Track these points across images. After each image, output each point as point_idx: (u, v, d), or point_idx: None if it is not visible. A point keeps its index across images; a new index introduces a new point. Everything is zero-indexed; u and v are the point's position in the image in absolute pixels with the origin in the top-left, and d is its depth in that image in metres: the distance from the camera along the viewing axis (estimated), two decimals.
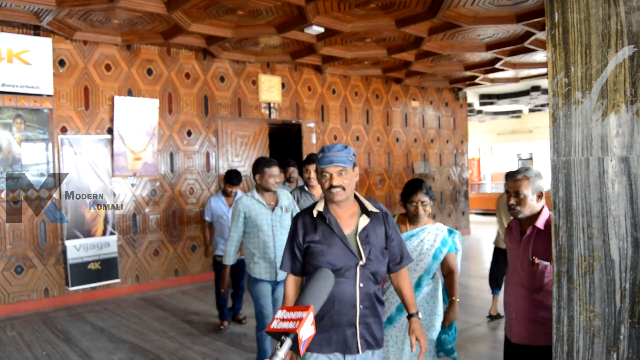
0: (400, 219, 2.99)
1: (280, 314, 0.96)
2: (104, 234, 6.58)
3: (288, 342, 0.89)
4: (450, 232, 2.95)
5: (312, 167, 4.57)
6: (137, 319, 5.71)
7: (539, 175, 2.53)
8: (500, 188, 17.04)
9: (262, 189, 3.82)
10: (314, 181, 4.65)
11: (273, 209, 3.81)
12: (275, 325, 0.93)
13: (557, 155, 1.88)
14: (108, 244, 6.61)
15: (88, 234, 6.45)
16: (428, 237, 2.89)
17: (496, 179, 20.09)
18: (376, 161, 9.95)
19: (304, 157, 8.10)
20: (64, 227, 6.28)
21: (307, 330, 0.92)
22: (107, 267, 6.58)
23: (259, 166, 3.81)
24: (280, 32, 6.42)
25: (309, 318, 0.93)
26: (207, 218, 5.42)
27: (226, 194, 5.38)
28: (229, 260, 3.85)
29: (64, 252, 6.30)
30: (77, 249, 6.35)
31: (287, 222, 3.83)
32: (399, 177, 10.35)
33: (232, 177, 5.26)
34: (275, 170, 3.80)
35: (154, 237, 7.12)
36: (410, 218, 2.93)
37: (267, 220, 3.76)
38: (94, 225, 6.52)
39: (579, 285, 1.86)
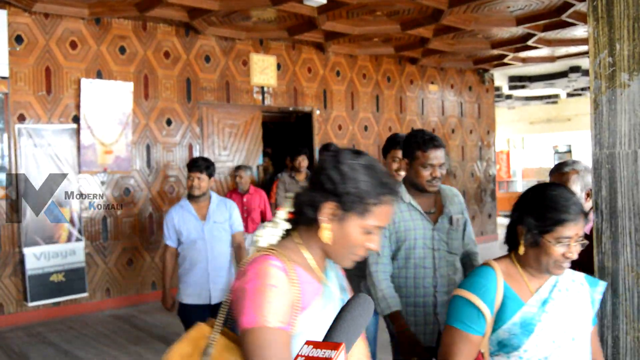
0: None
1: (305, 349, 0.93)
2: (68, 240, 6.59)
3: None
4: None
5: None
6: (108, 339, 5.72)
7: (588, 169, 2.52)
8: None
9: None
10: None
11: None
12: None
13: (599, 148, 1.88)
14: (74, 252, 6.62)
15: (50, 240, 6.46)
16: None
17: (528, 175, 20.05)
18: None
19: (316, 147, 8.60)
20: (22, 232, 6.29)
21: None
22: (73, 279, 6.59)
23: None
24: (275, 4, 6.40)
25: (340, 358, 0.90)
26: (170, 242, 4.12)
27: (193, 197, 4.07)
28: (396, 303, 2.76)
29: (22, 261, 6.31)
30: (37, 258, 6.36)
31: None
32: None
33: (196, 163, 4.08)
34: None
35: (128, 244, 7.13)
36: None
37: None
38: (57, 230, 6.53)
39: (625, 300, 1.85)
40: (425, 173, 2.70)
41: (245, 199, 6.65)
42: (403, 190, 2.79)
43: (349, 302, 1.07)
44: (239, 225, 4.19)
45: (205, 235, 3.98)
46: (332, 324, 1.02)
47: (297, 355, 0.93)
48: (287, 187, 6.64)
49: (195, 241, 3.98)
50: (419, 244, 2.74)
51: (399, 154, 3.28)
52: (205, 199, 4.08)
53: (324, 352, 0.91)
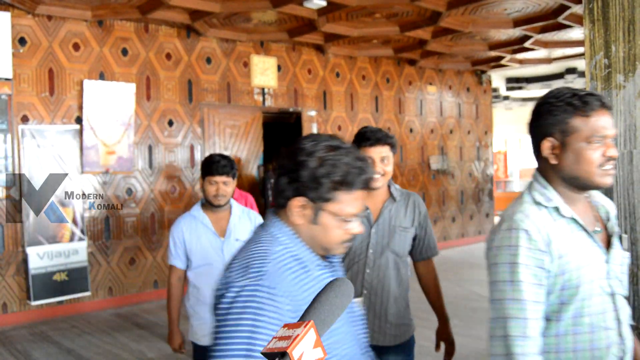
0: None
1: (280, 331, 0.95)
2: (71, 239, 6.60)
3: None
4: None
5: None
6: (110, 338, 5.73)
7: None
8: None
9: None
10: None
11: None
12: (270, 345, 0.92)
13: None
14: (76, 252, 6.63)
15: (53, 239, 6.47)
16: None
17: (525, 175, 20.09)
18: None
19: None
20: (25, 232, 6.30)
21: (308, 351, 0.89)
22: (76, 278, 6.60)
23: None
24: (275, 6, 6.41)
25: (309, 335, 0.90)
26: (176, 263, 3.16)
27: (211, 206, 3.15)
28: None
29: (25, 261, 6.32)
30: (40, 258, 6.36)
31: None
32: (412, 173, 10.36)
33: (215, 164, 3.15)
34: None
35: (130, 244, 7.14)
36: None
37: None
38: (60, 229, 6.54)
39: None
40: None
41: None
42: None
43: (326, 285, 1.06)
44: None
45: (225, 257, 2.97)
46: (308, 306, 1.02)
47: (273, 337, 0.94)
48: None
49: (211, 264, 3.02)
50: (595, 289, 1.62)
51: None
52: (225, 209, 3.14)
53: (294, 331, 0.92)
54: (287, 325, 0.96)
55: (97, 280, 6.87)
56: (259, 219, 3.20)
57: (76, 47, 6.71)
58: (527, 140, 1.69)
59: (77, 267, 6.62)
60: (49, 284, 6.41)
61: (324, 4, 6.45)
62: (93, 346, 5.45)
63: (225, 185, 3.04)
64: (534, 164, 1.68)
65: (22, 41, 6.34)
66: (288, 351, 0.88)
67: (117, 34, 7.01)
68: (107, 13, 6.62)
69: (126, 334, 5.82)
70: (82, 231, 6.69)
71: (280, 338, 0.93)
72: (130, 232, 7.13)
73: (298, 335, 0.90)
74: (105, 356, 5.14)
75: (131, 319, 6.45)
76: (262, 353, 0.95)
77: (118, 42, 7.02)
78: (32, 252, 6.31)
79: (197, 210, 3.15)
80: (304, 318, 0.99)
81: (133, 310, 6.81)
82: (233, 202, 3.19)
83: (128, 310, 6.81)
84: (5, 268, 6.25)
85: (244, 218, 3.19)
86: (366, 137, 2.59)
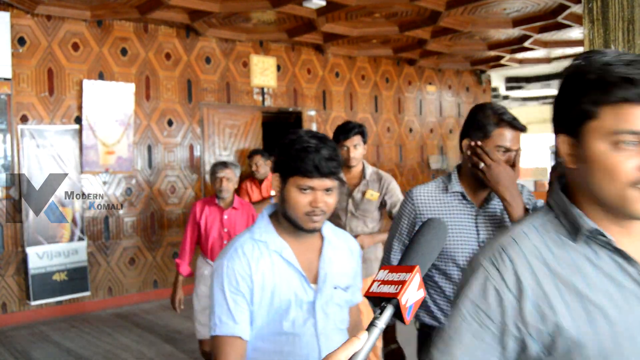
0: None
1: (381, 274, 0.94)
2: (71, 239, 6.59)
3: (389, 309, 0.87)
4: None
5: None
6: (110, 338, 5.73)
7: None
8: (529, 185, 17.03)
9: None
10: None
11: None
12: (374, 288, 0.92)
13: None
14: (76, 252, 6.62)
15: (52, 239, 6.46)
16: None
17: (525, 175, 20.07)
18: (386, 155, 9.96)
19: None
20: (25, 232, 6.29)
21: (412, 295, 0.90)
22: (75, 278, 6.59)
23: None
24: (275, 6, 6.40)
25: (415, 280, 0.90)
26: (239, 330, 1.66)
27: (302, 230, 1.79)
28: None
29: (25, 260, 6.31)
30: (39, 257, 6.36)
31: None
32: (412, 173, 10.35)
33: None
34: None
35: (130, 243, 7.13)
36: None
37: None
38: (60, 229, 6.53)
39: None
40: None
41: (225, 216, 4.19)
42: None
43: (422, 226, 1.05)
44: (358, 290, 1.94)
45: (318, 315, 1.71)
46: (406, 249, 1.01)
47: (374, 281, 0.94)
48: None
49: (303, 325, 1.70)
50: None
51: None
52: (314, 235, 1.80)
53: (399, 275, 0.91)
54: (389, 268, 0.95)
55: (96, 280, 6.86)
56: (357, 249, 1.96)
57: (75, 47, 6.70)
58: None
59: (77, 267, 6.61)
60: (48, 284, 6.40)
61: (324, 3, 6.44)
62: (93, 346, 5.44)
63: (328, 195, 1.69)
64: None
65: (21, 41, 6.33)
66: (398, 297, 0.88)
67: (117, 33, 7.00)
68: (106, 13, 6.61)
69: (126, 334, 5.82)
70: (81, 231, 6.68)
71: (384, 282, 0.92)
72: (130, 232, 7.13)
73: (406, 281, 0.90)
74: (105, 356, 5.13)
75: (131, 319, 6.45)
76: (365, 296, 0.95)
77: (117, 42, 7.01)
78: (31, 252, 6.30)
79: (271, 233, 1.75)
80: (405, 262, 0.98)
81: (133, 310, 6.80)
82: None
83: (128, 310, 6.80)
84: (4, 268, 6.24)
85: (341, 246, 1.87)
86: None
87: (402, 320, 0.89)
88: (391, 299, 0.88)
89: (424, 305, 2.21)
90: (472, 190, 2.13)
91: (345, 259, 1.85)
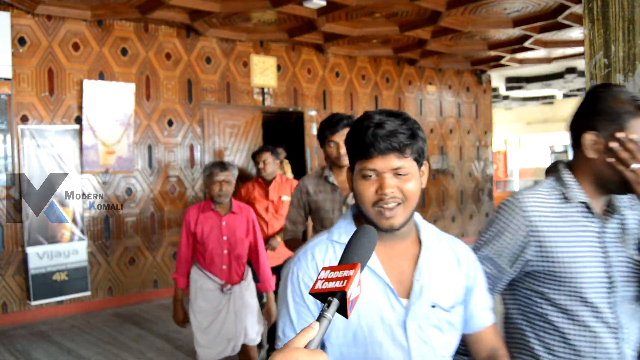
0: None
1: (323, 274, 1.02)
2: (71, 239, 6.60)
3: (335, 302, 0.95)
4: None
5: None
6: (110, 337, 5.73)
7: None
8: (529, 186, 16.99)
9: None
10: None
11: None
12: (319, 285, 0.99)
13: None
14: (76, 252, 6.62)
15: (53, 239, 6.46)
16: None
17: (525, 175, 20.07)
18: None
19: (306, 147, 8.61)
20: (25, 231, 6.30)
21: (354, 290, 0.98)
22: (75, 278, 6.60)
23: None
24: (275, 6, 6.41)
25: (356, 277, 0.99)
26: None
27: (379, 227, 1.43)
28: None
29: (25, 260, 6.31)
30: (40, 257, 6.36)
31: None
32: None
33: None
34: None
35: (130, 243, 7.13)
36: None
37: None
38: (60, 229, 6.53)
39: None
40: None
41: (224, 222, 3.78)
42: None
43: (355, 232, 1.12)
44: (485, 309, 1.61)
45: (410, 339, 1.37)
46: (345, 250, 1.08)
47: (317, 280, 1.02)
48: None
49: (393, 350, 1.37)
50: None
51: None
52: (407, 238, 1.48)
53: (342, 273, 1.00)
54: (330, 268, 1.03)
55: (97, 280, 6.86)
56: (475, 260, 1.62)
57: (76, 47, 6.70)
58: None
59: (77, 267, 6.61)
60: (48, 284, 6.40)
61: (324, 3, 6.44)
62: (93, 346, 5.44)
63: (400, 179, 1.37)
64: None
65: (21, 41, 6.33)
66: (346, 290, 0.96)
67: (117, 33, 7.00)
68: (106, 13, 6.61)
69: (126, 334, 5.82)
70: (82, 231, 6.68)
71: (328, 279, 1.00)
72: (130, 232, 7.13)
73: (350, 276, 0.98)
74: (105, 356, 5.13)
75: (131, 318, 6.45)
76: (310, 293, 1.02)
77: (117, 41, 7.01)
78: (32, 252, 6.30)
79: (349, 232, 1.38)
80: (345, 262, 1.06)
81: (133, 310, 6.80)
82: (419, 221, 1.52)
83: (128, 310, 6.80)
84: (5, 268, 6.24)
85: (447, 255, 1.51)
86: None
87: (345, 314, 0.96)
88: (336, 292, 0.96)
89: (530, 353, 1.72)
90: (594, 199, 1.66)
91: (451, 270, 1.46)
